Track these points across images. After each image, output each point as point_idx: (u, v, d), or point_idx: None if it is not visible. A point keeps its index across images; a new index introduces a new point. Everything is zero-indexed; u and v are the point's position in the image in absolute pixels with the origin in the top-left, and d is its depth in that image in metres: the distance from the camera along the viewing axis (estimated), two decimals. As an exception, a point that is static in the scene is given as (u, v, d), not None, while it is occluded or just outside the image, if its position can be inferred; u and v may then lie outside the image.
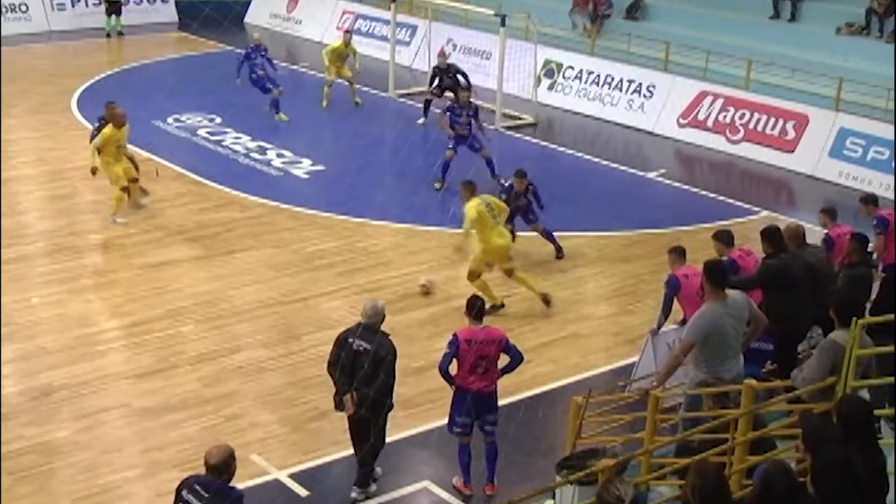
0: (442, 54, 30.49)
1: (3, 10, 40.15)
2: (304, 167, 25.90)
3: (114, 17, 40.67)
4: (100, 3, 41.41)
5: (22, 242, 21.04)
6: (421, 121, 30.09)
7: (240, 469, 13.25)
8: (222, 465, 10.10)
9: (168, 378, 16.30)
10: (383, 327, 13.25)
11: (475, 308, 13.49)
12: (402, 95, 32.87)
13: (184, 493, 10.16)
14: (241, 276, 19.94)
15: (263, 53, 30.30)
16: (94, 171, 21.77)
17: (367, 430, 13.08)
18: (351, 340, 12.99)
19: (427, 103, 30.00)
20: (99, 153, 21.87)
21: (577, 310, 19.15)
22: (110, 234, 21.69)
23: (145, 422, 15.15)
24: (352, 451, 13.86)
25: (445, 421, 14.01)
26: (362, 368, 12.84)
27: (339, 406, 13.22)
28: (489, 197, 19.17)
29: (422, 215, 22.88)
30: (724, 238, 16.00)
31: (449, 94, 28.96)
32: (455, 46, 35.61)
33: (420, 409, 15.60)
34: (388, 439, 13.83)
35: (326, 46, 32.42)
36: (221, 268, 20.30)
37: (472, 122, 25.58)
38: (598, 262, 21.30)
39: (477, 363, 13.30)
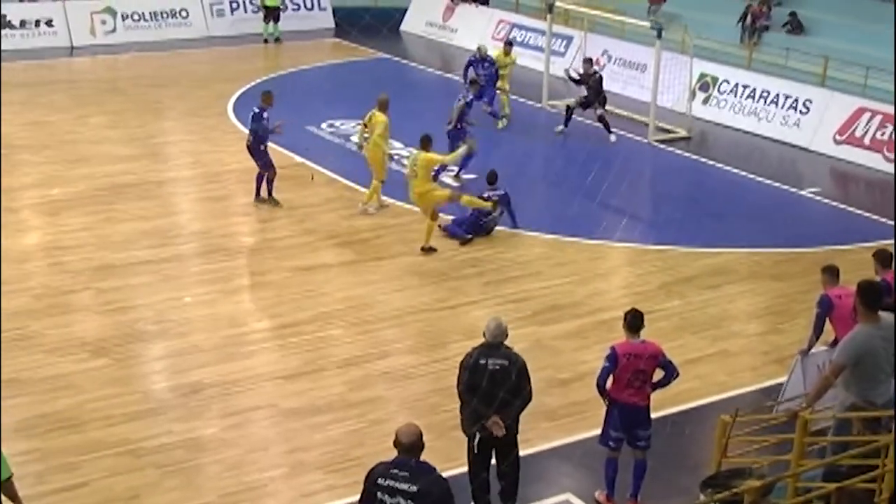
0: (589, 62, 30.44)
1: (165, 14, 41.09)
2: (454, 175, 25.98)
3: (272, 23, 41.24)
4: (258, 10, 42.07)
5: (176, 242, 21.49)
6: (559, 129, 30.29)
7: (383, 474, 13.41)
8: (415, 444, 10.19)
9: (315, 380, 16.50)
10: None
11: (633, 322, 13.38)
12: (555, 106, 32.81)
13: (379, 481, 10.15)
14: (390, 282, 20.10)
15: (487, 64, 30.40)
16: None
17: (510, 443, 12.87)
18: (483, 362, 12.54)
19: (569, 111, 30.15)
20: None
21: (727, 327, 18.92)
22: (263, 236, 22.05)
23: (291, 423, 15.35)
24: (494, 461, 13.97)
25: (590, 433, 13.99)
26: (504, 385, 12.46)
27: (476, 433, 12.66)
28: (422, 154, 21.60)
29: (572, 227, 22.82)
30: (881, 258, 15.70)
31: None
32: (610, 58, 35.51)
33: (565, 420, 15.57)
34: (533, 449, 13.84)
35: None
36: (371, 273, 20.48)
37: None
38: (749, 279, 21.02)
39: (634, 377, 13.23)
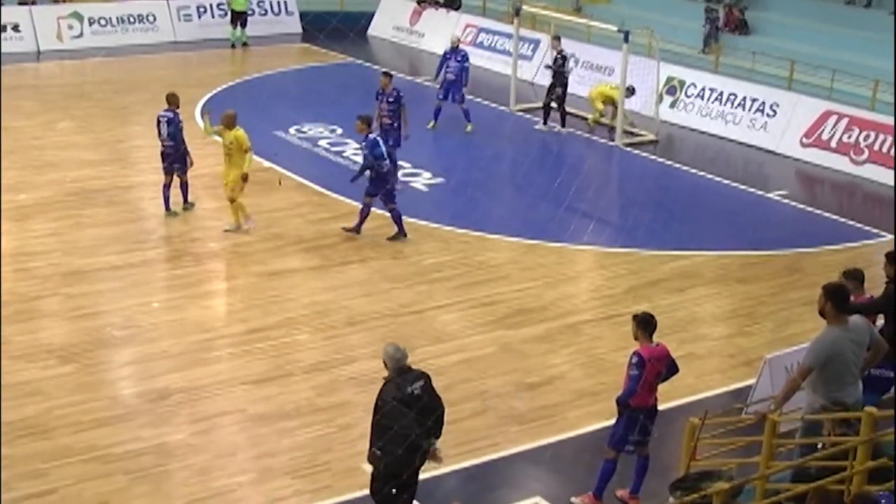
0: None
1: (132, 19, 40.90)
2: (423, 179, 26.01)
3: (239, 28, 41.14)
4: (225, 15, 41.93)
5: (144, 248, 21.37)
6: (538, 126, 30.64)
7: (350, 479, 13.43)
8: None
9: (282, 385, 16.44)
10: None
11: (651, 325, 13.34)
12: (522, 110, 32.83)
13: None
14: (357, 287, 20.05)
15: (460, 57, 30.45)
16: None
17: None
18: (410, 390, 11.84)
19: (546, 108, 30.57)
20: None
21: (694, 330, 18.96)
22: (230, 241, 21.94)
23: (259, 428, 15.28)
24: (464, 464, 14.02)
25: (559, 437, 14.01)
26: (429, 405, 11.95)
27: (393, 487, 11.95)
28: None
29: (540, 230, 22.83)
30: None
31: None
32: (577, 62, 35.50)
33: (534, 424, 15.56)
34: (502, 453, 13.82)
35: None
36: (337, 278, 20.43)
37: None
38: (716, 282, 21.07)
39: (655, 380, 13.25)
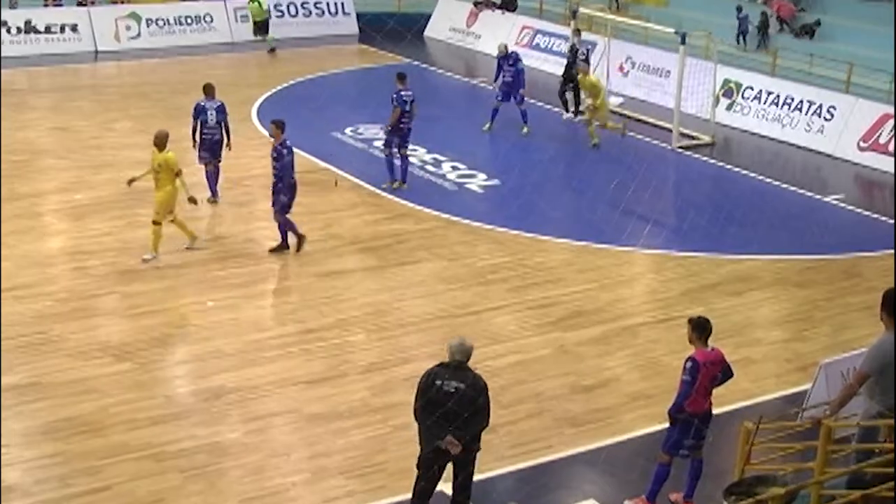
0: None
1: (189, 20, 41.20)
2: (478, 181, 26.02)
3: (264, 34, 41.24)
4: (282, 16, 42.15)
5: (199, 247, 21.44)
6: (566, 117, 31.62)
7: (405, 480, 13.43)
8: None
9: (337, 386, 16.50)
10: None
11: (706, 328, 13.27)
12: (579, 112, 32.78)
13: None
14: (413, 288, 20.09)
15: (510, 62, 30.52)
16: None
17: (466, 459, 12.53)
18: (439, 383, 12.19)
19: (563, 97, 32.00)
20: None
21: (750, 334, 18.85)
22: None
23: (313, 428, 15.34)
24: (519, 466, 13.99)
25: (613, 440, 14.01)
26: (460, 408, 12.08)
27: (434, 454, 12.36)
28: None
29: (596, 233, 22.79)
30: None
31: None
32: (634, 64, 35.46)
33: (589, 426, 15.53)
34: (556, 455, 13.79)
35: None
36: (393, 279, 20.48)
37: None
38: (773, 286, 20.95)
39: (710, 385, 13.20)
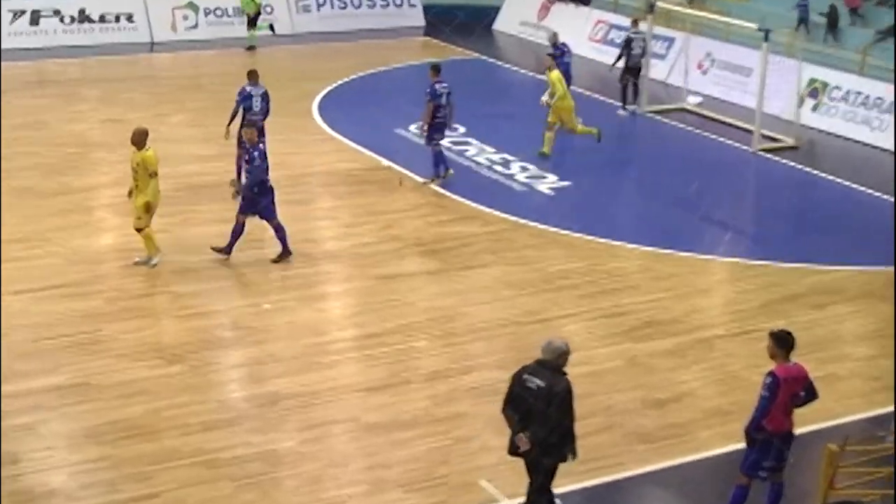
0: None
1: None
2: (549, 182, 25.92)
3: (254, 29, 40.20)
4: (345, 7, 42.24)
5: (256, 246, 21.49)
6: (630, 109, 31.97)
7: (467, 494, 13.39)
8: None
9: (398, 394, 16.46)
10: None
11: (789, 343, 13.06)
12: (654, 112, 32.60)
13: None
14: (478, 293, 20.02)
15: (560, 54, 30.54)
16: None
17: (536, 467, 12.69)
18: (525, 377, 12.43)
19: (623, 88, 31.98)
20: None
21: (835, 349, 18.61)
22: (346, 242, 22.08)
23: (373, 437, 15.30)
24: (588, 483, 13.89)
25: (689, 458, 13.86)
26: (536, 406, 12.25)
27: (512, 448, 12.65)
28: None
29: (671, 239, 22.61)
30: None
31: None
32: (713, 62, 35.24)
33: (661, 443, 15.37)
34: (628, 473, 13.67)
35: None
36: (458, 283, 20.43)
37: None
38: (859, 298, 20.67)
39: (791, 402, 12.96)
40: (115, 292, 19.38)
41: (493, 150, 27.75)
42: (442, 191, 24.92)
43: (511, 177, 26.22)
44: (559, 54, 30.13)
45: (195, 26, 40.55)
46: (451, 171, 25.34)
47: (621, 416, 16.08)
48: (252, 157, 20.72)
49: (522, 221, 23.37)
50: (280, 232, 21.03)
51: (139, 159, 20.06)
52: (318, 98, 32.38)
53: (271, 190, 20.99)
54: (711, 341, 18.58)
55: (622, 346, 18.15)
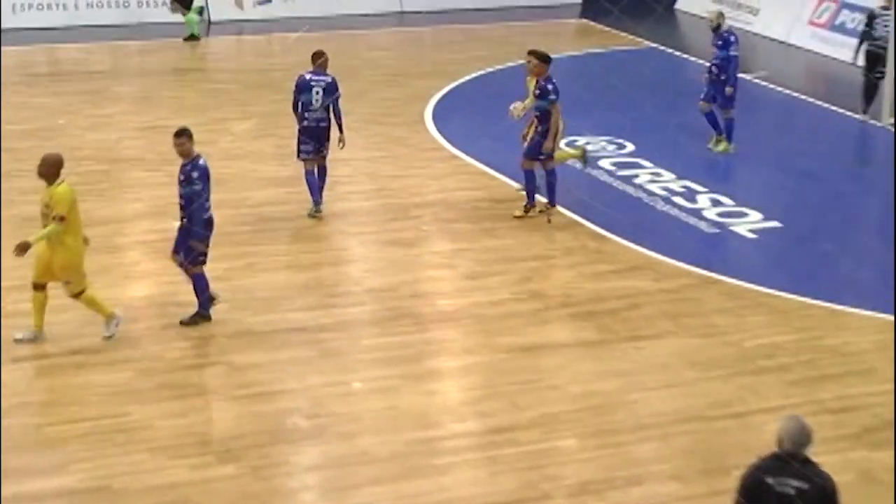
0: None
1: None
2: (750, 222, 25.79)
3: (191, 13, 39.87)
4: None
5: (344, 304, 21.57)
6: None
7: None
8: None
9: (535, 512, 16.37)
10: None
11: None
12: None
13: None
14: (651, 375, 19.88)
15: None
16: None
17: None
18: (771, 482, 12.34)
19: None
20: None
21: None
22: (469, 298, 22.04)
23: (500, 573, 15.26)
24: None
25: None
26: None
27: None
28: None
29: (921, 305, 22.34)
30: None
31: None
32: None
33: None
34: None
35: None
36: (622, 360, 20.31)
37: None
38: None
39: None
40: (149, 362, 19.48)
41: (673, 175, 27.64)
42: (601, 231, 24.80)
43: (698, 213, 26.15)
44: (721, 44, 29.80)
45: (268, 1, 40.91)
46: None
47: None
48: (189, 178, 20.17)
49: (712, 275, 23.27)
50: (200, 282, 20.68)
51: (48, 196, 19.43)
52: (433, 101, 32.53)
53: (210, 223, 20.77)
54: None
55: (852, 455, 17.83)
